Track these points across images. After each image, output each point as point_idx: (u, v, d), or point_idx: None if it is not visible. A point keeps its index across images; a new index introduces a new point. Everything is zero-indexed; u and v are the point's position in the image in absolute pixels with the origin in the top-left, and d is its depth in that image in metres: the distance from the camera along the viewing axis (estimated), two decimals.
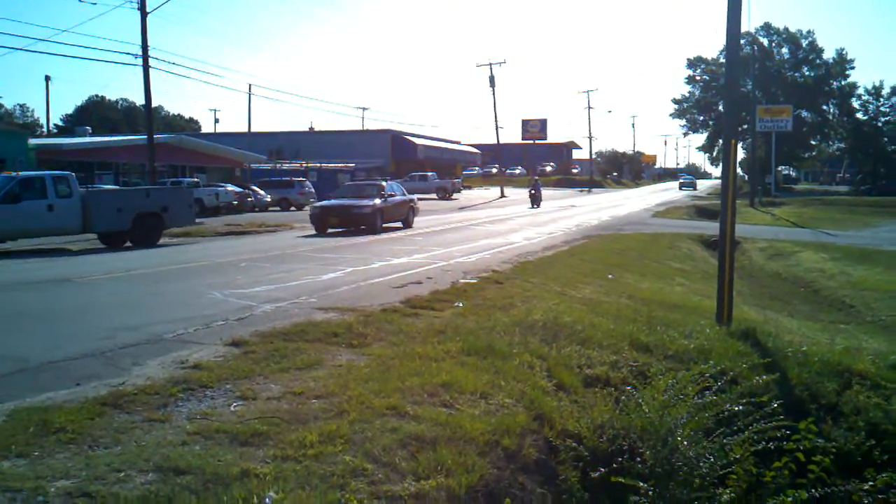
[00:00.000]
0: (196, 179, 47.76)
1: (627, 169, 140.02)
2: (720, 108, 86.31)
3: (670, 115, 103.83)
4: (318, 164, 67.87)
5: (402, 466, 5.50)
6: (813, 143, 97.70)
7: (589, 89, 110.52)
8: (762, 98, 78.28)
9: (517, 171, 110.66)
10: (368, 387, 7.13)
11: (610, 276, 17.88)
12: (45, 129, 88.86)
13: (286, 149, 74.86)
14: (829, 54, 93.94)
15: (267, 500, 4.69)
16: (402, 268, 17.15)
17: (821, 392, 10.39)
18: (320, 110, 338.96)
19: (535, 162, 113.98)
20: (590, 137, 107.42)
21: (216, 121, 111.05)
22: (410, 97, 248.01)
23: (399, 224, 30.69)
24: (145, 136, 36.99)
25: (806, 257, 28.27)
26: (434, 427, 6.22)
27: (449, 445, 5.93)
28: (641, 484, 6.66)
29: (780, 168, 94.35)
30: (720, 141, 77.35)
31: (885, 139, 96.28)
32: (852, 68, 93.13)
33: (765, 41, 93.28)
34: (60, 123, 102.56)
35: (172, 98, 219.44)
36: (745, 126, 70.29)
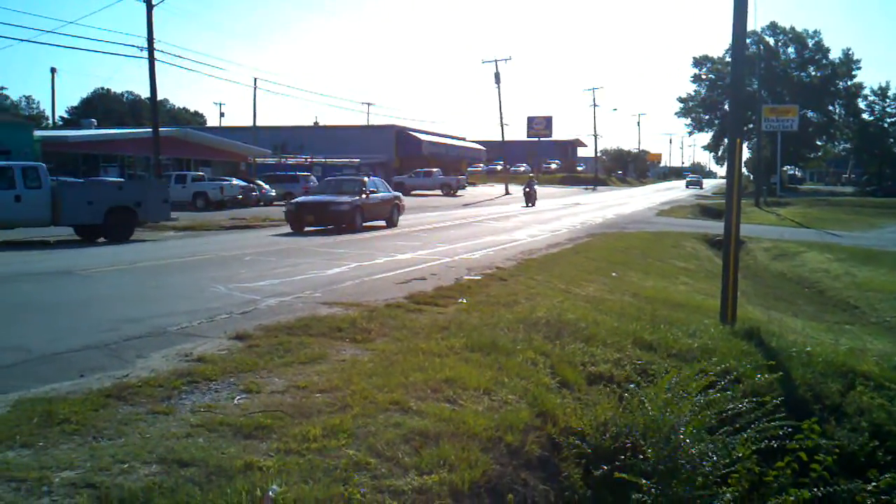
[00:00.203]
0: (201, 173, 47.80)
1: (632, 167, 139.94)
2: (726, 107, 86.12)
3: (676, 113, 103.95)
4: (323, 159, 67.97)
5: (405, 461, 5.51)
6: (819, 143, 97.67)
7: (594, 87, 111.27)
8: (768, 98, 78.09)
9: (522, 168, 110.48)
10: (372, 382, 7.13)
11: (614, 274, 17.88)
12: (50, 122, 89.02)
13: (291, 143, 74.79)
14: (835, 54, 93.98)
15: (270, 493, 4.70)
16: (406, 264, 17.16)
17: (824, 392, 10.37)
18: (325, 105, 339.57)
19: (539, 159, 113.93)
20: (595, 135, 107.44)
21: (221, 114, 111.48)
22: (416, 93, 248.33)
23: (382, 223, 29.14)
24: (150, 129, 37.05)
25: (811, 258, 28.25)
26: (437, 422, 6.23)
27: (452, 441, 5.93)
28: (644, 481, 6.65)
29: (785, 168, 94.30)
30: (725, 140, 77.20)
31: (891, 140, 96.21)
32: (858, 69, 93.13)
33: (771, 40, 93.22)
34: (66, 116, 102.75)
35: (178, 91, 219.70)
36: (751, 125, 70.19)
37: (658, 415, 7.39)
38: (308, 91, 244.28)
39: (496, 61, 73.17)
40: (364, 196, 27.98)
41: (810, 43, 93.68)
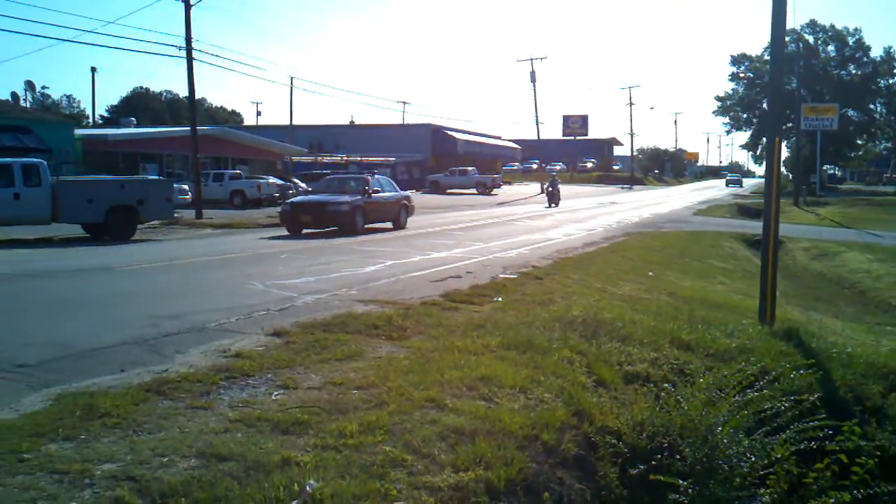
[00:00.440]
0: (238, 171, 48.18)
1: (669, 166, 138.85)
2: (764, 105, 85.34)
3: (713, 112, 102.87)
4: (359, 158, 68.19)
5: (441, 458, 5.52)
6: (859, 142, 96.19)
7: (631, 85, 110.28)
8: (807, 96, 77.07)
9: (557, 167, 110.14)
10: (408, 379, 7.15)
11: (651, 274, 17.76)
12: (90, 120, 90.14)
13: (327, 142, 75.16)
14: (876, 52, 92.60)
15: (308, 488, 4.73)
16: (442, 262, 17.17)
17: (865, 394, 10.25)
18: (361, 104, 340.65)
19: (575, 158, 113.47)
20: (631, 134, 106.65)
21: (258, 113, 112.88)
22: (451, 92, 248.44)
23: (388, 224, 27.28)
24: (189, 128, 37.34)
25: (851, 258, 27.86)
26: (473, 420, 6.23)
27: (488, 438, 5.93)
28: (681, 482, 6.61)
29: (824, 167, 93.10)
30: (764, 139, 76.57)
31: None
32: None
33: (810, 39, 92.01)
34: (106, 114, 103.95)
35: (215, 90, 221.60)
36: (790, 124, 69.40)
37: (695, 415, 7.35)
38: (344, 90, 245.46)
39: (531, 60, 73.08)
40: (366, 196, 26.24)
41: (851, 41, 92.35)
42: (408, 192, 30.87)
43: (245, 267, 16.16)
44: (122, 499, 4.52)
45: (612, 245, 23.62)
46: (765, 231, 13.24)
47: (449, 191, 64.83)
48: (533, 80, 72.86)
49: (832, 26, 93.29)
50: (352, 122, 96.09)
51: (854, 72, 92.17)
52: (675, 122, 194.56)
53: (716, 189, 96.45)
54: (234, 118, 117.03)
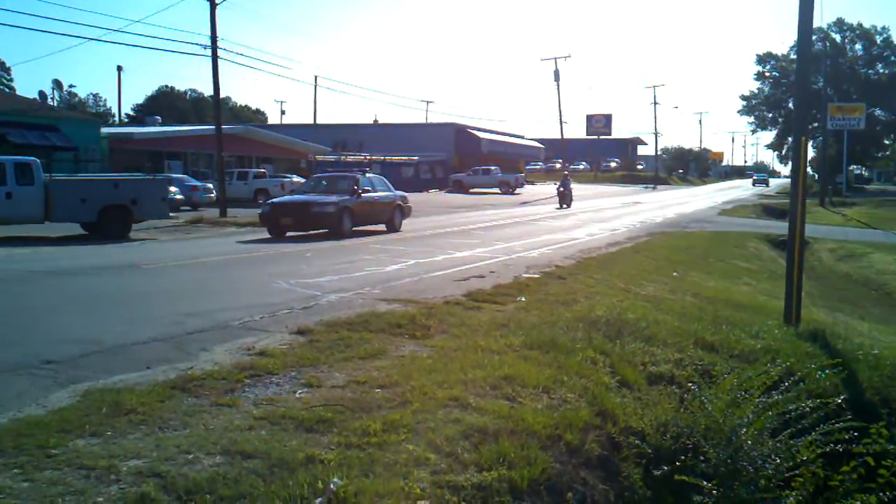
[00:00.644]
0: (262, 170, 48.41)
1: (694, 166, 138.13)
2: (790, 105, 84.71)
3: (738, 111, 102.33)
4: (382, 157, 68.31)
5: (464, 457, 5.52)
6: (886, 142, 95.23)
7: (655, 85, 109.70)
8: (834, 95, 76.49)
9: (581, 167, 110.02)
10: (431, 378, 7.16)
11: (675, 274, 17.68)
12: (116, 119, 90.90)
13: (350, 141, 75.36)
14: None
15: (332, 486, 4.74)
16: (465, 261, 17.18)
17: (893, 396, 10.16)
18: (385, 103, 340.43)
19: (599, 157, 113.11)
20: (655, 133, 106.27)
21: (282, 112, 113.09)
22: (475, 91, 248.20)
23: (381, 227, 25.77)
24: (213, 127, 37.55)
25: (878, 259, 27.60)
26: (496, 419, 6.23)
27: (511, 438, 5.93)
28: (705, 483, 6.59)
29: (851, 167, 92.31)
30: (790, 139, 76.01)
31: None
32: None
33: (837, 37, 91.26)
34: (131, 113, 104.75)
35: (240, 89, 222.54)
36: (816, 124, 68.79)
37: (720, 416, 7.32)
38: (368, 89, 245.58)
39: (555, 59, 72.90)
40: (355, 196, 24.45)
41: (878, 39, 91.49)
42: (403, 193, 28.93)
43: (270, 265, 16.24)
44: (148, 495, 4.55)
45: (636, 245, 23.54)
46: (790, 231, 13.15)
47: (472, 190, 64.85)
48: (557, 79, 72.78)
49: (859, 25, 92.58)
50: (375, 121, 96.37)
51: (882, 71, 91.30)
52: (700, 121, 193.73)
53: (741, 189, 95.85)
54: (258, 117, 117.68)
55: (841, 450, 7.34)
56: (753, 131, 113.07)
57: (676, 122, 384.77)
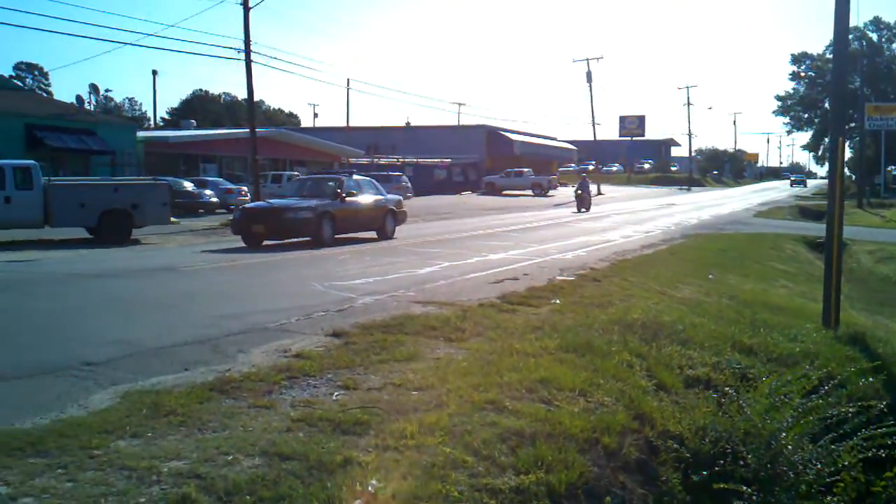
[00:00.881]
0: (296, 173, 48.67)
1: (728, 167, 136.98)
2: (826, 105, 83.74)
3: (773, 112, 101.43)
4: (415, 160, 68.41)
5: (501, 460, 5.52)
6: None
7: (689, 85, 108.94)
8: (871, 95, 75.46)
9: (614, 168, 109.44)
10: (467, 380, 7.15)
11: (710, 277, 17.53)
12: (151, 122, 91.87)
13: (383, 144, 75.52)
14: None
15: (370, 488, 4.76)
16: (498, 264, 17.16)
17: None
18: (417, 105, 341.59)
19: (632, 159, 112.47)
20: (689, 134, 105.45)
21: (315, 115, 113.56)
22: (507, 93, 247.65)
23: (371, 234, 23.80)
24: (247, 130, 37.81)
25: None
26: (533, 422, 6.22)
27: (548, 441, 5.92)
28: (745, 488, 6.53)
29: (889, 168, 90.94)
30: (826, 139, 75.09)
31: None
32: None
33: (874, 36, 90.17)
34: (166, 116, 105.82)
35: (273, 92, 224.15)
36: (853, 124, 67.95)
37: (758, 420, 7.25)
38: (400, 91, 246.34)
39: (588, 60, 72.65)
40: (338, 200, 22.54)
41: None
42: (398, 196, 27.06)
43: (304, 268, 16.33)
44: (188, 496, 4.59)
45: (671, 247, 23.37)
46: (828, 233, 13.01)
47: (505, 192, 64.73)
48: (589, 80, 72.48)
49: None
50: (407, 123, 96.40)
51: None
52: (734, 122, 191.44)
53: (776, 190, 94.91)
54: (291, 120, 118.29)
55: (883, 455, 7.25)
56: (789, 132, 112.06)
57: (711, 123, 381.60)
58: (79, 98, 73.43)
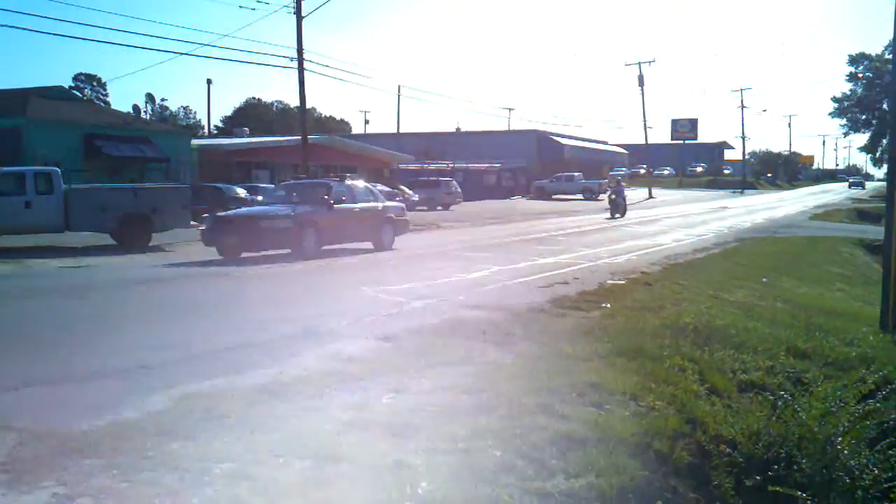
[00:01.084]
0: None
1: (782, 170, 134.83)
2: (885, 106, 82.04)
3: (829, 114, 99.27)
4: (465, 165, 68.52)
5: (551, 464, 5.49)
6: None
7: (742, 87, 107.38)
8: None
9: (666, 172, 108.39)
10: (517, 384, 7.14)
11: (764, 280, 17.29)
12: (206, 130, 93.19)
13: (433, 149, 75.77)
14: None
15: (420, 490, 4.77)
16: (548, 268, 17.11)
17: None
18: (467, 111, 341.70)
19: (684, 162, 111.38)
20: (743, 137, 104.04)
21: (366, 122, 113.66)
22: (557, 97, 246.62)
23: (367, 245, 21.84)
24: (299, 137, 38.22)
25: None
26: (583, 426, 6.18)
27: (599, 445, 5.88)
28: (799, 493, 6.42)
29: None
30: (884, 141, 73.63)
31: None
32: None
33: None
34: (220, 124, 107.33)
35: (325, 99, 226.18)
36: None
37: (814, 424, 7.13)
38: (450, 97, 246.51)
39: (639, 63, 72.06)
40: (325, 207, 20.48)
41: None
42: (399, 204, 25.26)
43: (355, 273, 16.44)
44: (240, 497, 4.65)
45: (724, 251, 23.11)
46: (887, 236, 12.77)
47: (555, 196, 64.56)
48: (641, 83, 71.88)
49: None
50: (458, 129, 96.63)
51: None
52: (789, 124, 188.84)
53: (832, 193, 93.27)
54: (343, 127, 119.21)
55: None
56: (845, 134, 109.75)
57: (764, 126, 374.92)
58: (135, 107, 75.11)
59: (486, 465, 5.30)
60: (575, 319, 10.69)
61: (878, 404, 7.64)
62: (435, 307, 11.65)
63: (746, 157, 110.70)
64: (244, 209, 22.08)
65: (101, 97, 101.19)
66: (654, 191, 69.84)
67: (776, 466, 6.78)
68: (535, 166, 76.21)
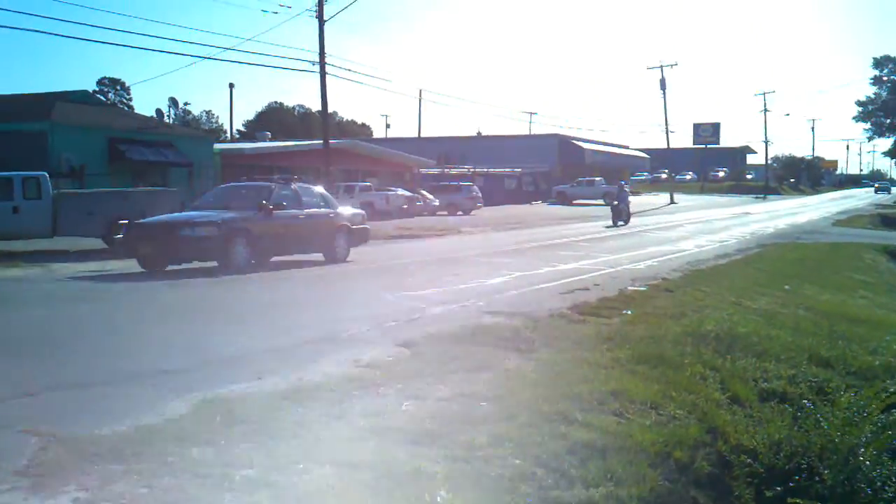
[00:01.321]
0: (368, 183, 49.14)
1: (805, 175, 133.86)
2: None
3: (854, 118, 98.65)
4: (486, 169, 68.49)
5: (571, 473, 5.48)
6: None
7: (765, 91, 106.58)
8: None
9: (688, 177, 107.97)
10: (536, 391, 7.12)
11: (787, 287, 17.17)
12: (228, 135, 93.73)
13: (454, 154, 75.78)
14: None
15: (438, 498, 4.77)
16: (569, 274, 17.06)
17: None
18: (488, 115, 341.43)
19: (706, 167, 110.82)
20: (765, 142, 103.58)
21: (387, 126, 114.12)
22: (578, 101, 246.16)
23: (317, 256, 19.57)
24: (321, 141, 38.35)
25: None
26: (603, 435, 6.16)
27: (619, 454, 5.86)
28: None
29: None
30: None
31: None
32: None
33: None
34: (242, 129, 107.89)
35: (346, 103, 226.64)
36: None
37: (836, 435, 7.08)
38: (471, 101, 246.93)
39: (661, 67, 71.82)
40: (261, 213, 18.01)
41: None
42: (357, 211, 22.76)
43: (375, 278, 16.46)
44: None
45: (747, 257, 22.97)
46: None
47: (575, 201, 64.41)
48: (663, 87, 71.66)
49: None
50: (479, 133, 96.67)
51: None
52: (812, 128, 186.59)
53: (856, 199, 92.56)
54: (364, 131, 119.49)
55: None
56: (870, 138, 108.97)
57: (787, 130, 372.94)
58: (158, 112, 75.67)
59: (505, 473, 5.29)
60: (595, 326, 10.65)
61: None
62: (454, 313, 11.63)
63: (769, 161, 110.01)
64: (165, 215, 19.54)
65: (125, 101, 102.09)
66: (676, 196, 69.56)
67: (797, 477, 6.74)
68: (556, 171, 76.08)
